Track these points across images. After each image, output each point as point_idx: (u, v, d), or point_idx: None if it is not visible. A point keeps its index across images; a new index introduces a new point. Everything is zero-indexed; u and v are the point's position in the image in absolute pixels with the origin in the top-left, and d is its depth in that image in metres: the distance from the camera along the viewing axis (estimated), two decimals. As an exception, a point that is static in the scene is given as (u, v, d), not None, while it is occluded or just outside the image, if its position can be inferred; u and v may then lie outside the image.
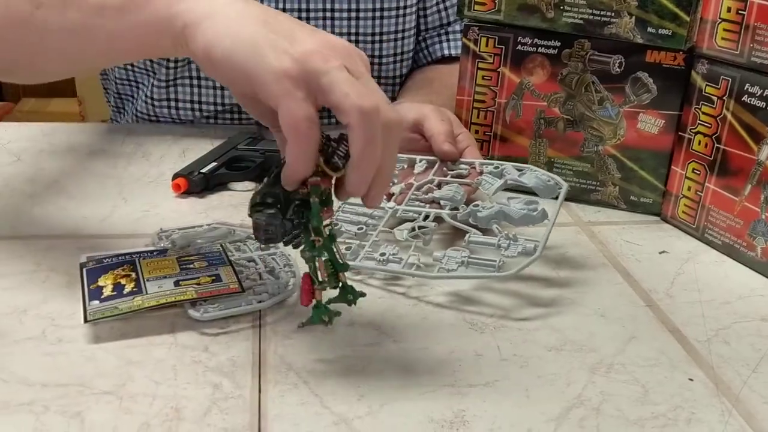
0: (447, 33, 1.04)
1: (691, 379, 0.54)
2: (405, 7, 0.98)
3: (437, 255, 0.63)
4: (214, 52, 0.50)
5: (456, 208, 0.68)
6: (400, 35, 0.99)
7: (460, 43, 1.01)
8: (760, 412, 0.51)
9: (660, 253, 0.72)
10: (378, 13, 0.96)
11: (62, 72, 0.67)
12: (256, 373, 0.52)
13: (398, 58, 1.01)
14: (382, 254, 0.63)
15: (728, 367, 0.56)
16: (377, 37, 0.98)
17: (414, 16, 1.01)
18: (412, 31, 1.02)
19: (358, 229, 0.67)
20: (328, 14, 0.95)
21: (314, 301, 0.55)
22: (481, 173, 0.73)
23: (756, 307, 0.64)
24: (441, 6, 1.03)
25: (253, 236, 0.53)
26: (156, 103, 0.97)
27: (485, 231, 0.66)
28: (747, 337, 0.60)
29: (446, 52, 1.03)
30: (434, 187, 0.72)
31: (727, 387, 0.54)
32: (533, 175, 0.70)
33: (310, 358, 0.54)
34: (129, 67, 0.98)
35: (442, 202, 0.69)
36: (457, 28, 1.04)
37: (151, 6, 0.53)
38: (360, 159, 0.48)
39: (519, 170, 0.72)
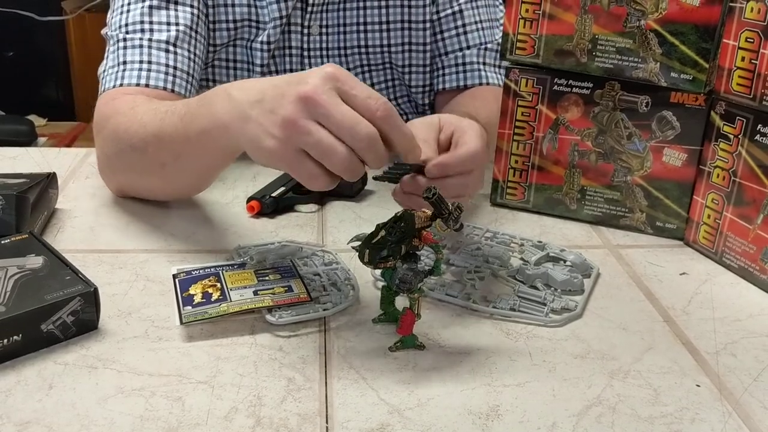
0: (465, 64, 1.09)
1: (699, 385, 0.62)
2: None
3: (491, 297, 0.72)
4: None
5: (503, 266, 0.78)
6: (407, 47, 1.07)
7: (476, 74, 1.08)
8: (757, 414, 0.59)
9: (680, 274, 0.80)
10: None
11: (189, 188, 0.88)
12: (323, 370, 0.62)
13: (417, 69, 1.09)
14: (443, 285, 0.73)
15: (733, 376, 0.64)
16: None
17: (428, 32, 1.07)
18: (428, 47, 1.08)
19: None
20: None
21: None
22: (521, 245, 0.83)
23: (764, 325, 0.71)
24: (461, 30, 1.08)
25: (318, 252, 0.63)
26: None
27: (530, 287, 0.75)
28: (752, 350, 0.67)
29: (461, 83, 1.09)
30: (483, 247, 0.81)
31: (730, 393, 0.62)
32: (572, 253, 0.80)
33: (367, 358, 0.64)
34: None
35: (490, 259, 0.79)
36: (474, 59, 1.08)
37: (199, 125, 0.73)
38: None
39: (560, 248, 0.81)
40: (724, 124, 0.79)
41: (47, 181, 0.85)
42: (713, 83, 0.80)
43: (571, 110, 0.87)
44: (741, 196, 0.78)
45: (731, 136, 0.78)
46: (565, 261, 0.79)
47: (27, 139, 2.27)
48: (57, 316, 0.63)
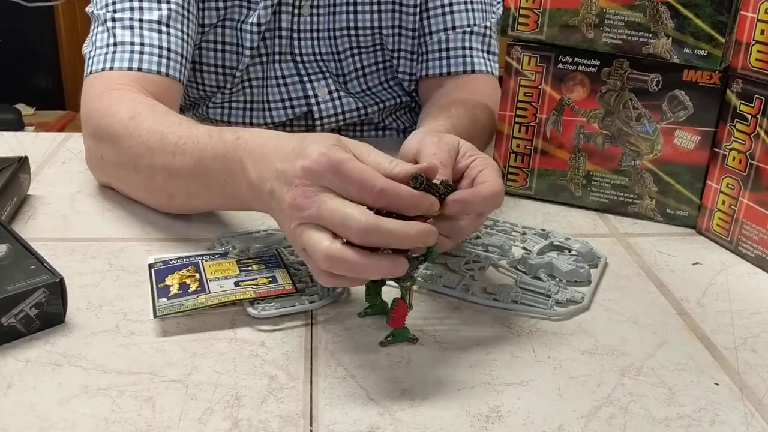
0: (448, 49, 1.03)
1: (717, 384, 0.57)
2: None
3: (491, 289, 0.67)
4: None
5: (503, 256, 0.73)
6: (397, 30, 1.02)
7: (460, 60, 1.02)
8: (783, 415, 0.54)
9: (693, 264, 0.75)
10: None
11: (195, 213, 0.81)
12: (308, 367, 0.57)
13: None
14: (439, 276, 0.68)
15: (754, 373, 0.59)
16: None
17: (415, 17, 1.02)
18: (415, 32, 1.03)
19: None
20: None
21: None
22: (523, 233, 0.78)
23: (785, 318, 0.66)
24: (447, 9, 1.02)
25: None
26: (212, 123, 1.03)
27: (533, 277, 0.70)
28: (774, 345, 0.62)
29: (444, 70, 1.03)
30: (482, 236, 0.76)
31: (752, 392, 0.57)
32: (578, 242, 0.74)
33: (357, 354, 0.59)
34: (185, 92, 1.03)
35: (490, 248, 0.74)
36: (459, 44, 1.02)
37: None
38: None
39: (564, 237, 0.76)
40: (741, 104, 0.74)
41: (18, 166, 0.80)
42: (729, 59, 0.74)
43: (577, 90, 0.82)
44: (759, 181, 0.73)
45: (748, 116, 0.73)
46: (570, 250, 0.74)
47: (13, 128, 2.21)
48: (19, 308, 0.58)
